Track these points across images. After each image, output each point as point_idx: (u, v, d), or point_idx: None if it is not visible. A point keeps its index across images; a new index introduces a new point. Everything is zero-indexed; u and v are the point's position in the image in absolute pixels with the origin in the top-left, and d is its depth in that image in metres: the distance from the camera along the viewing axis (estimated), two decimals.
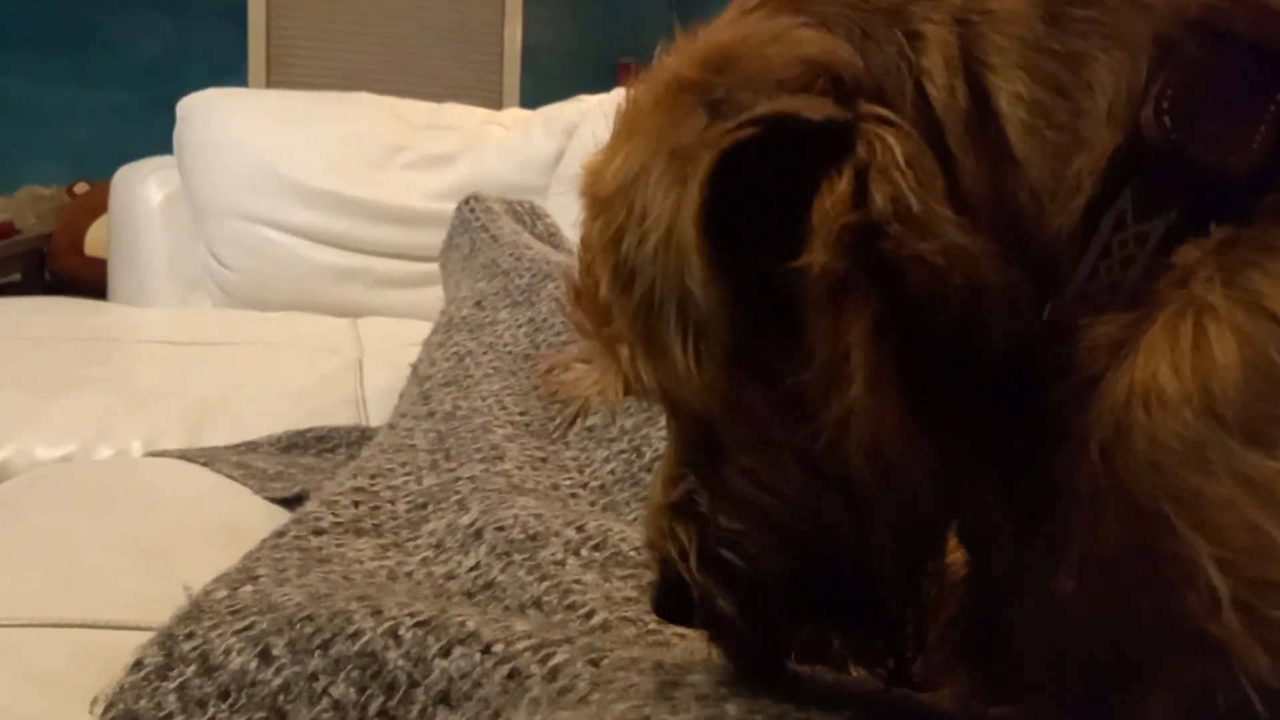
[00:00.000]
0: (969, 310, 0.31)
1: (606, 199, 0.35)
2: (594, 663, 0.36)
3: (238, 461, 1.09)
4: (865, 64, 0.33)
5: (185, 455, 1.11)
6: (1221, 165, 0.30)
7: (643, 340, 0.34)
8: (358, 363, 1.47)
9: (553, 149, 1.97)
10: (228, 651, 0.47)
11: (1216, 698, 0.28)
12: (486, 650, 0.39)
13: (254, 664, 0.46)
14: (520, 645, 0.38)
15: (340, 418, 1.26)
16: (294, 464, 1.11)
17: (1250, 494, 0.28)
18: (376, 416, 1.26)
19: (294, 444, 1.15)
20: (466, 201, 1.60)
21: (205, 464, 1.08)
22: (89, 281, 2.23)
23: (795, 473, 0.34)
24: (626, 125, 0.37)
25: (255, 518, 0.92)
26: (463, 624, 0.41)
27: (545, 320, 1.15)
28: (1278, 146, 0.30)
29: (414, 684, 0.40)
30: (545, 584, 0.54)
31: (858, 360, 0.31)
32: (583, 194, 0.37)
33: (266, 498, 1.00)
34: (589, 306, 0.38)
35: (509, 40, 3.98)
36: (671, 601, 0.37)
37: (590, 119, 1.95)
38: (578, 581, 0.53)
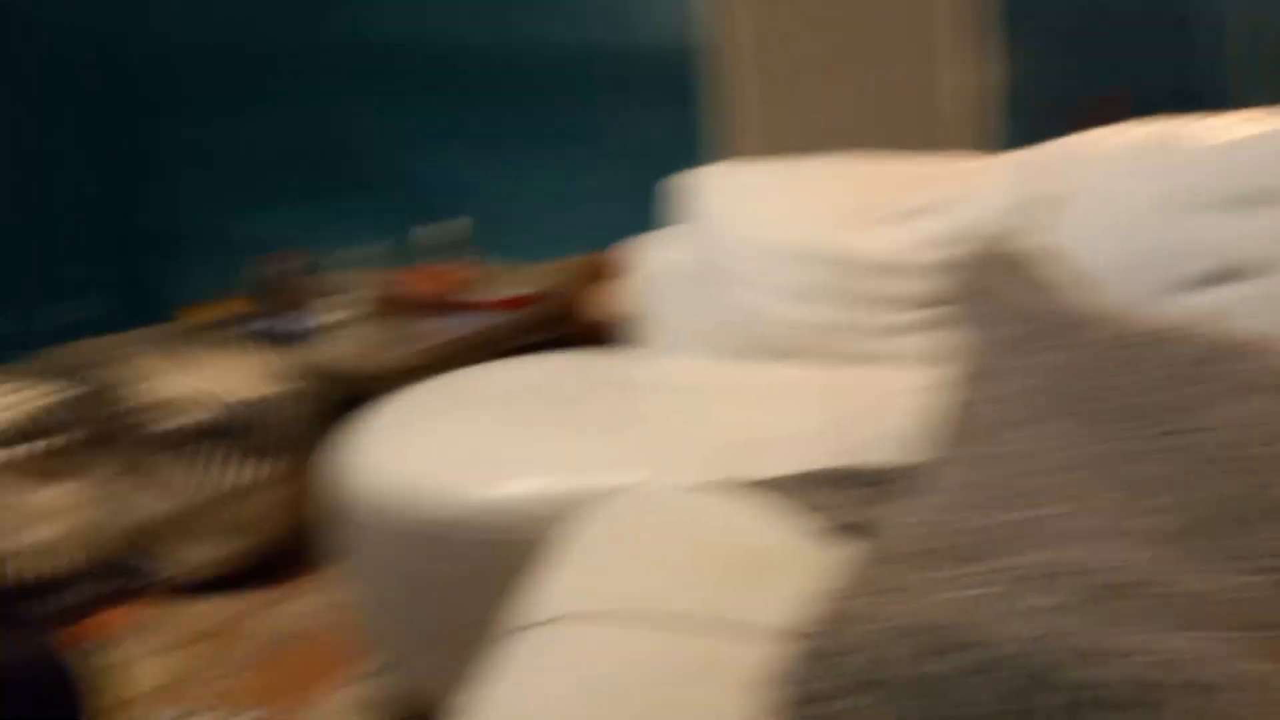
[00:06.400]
0: None
1: None
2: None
3: (787, 491, 1.24)
4: None
5: (746, 485, 1.28)
6: None
7: None
8: (875, 408, 1.57)
9: (1033, 191, 1.97)
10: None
11: None
12: None
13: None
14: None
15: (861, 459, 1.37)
16: (832, 498, 1.24)
17: None
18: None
19: (833, 479, 1.28)
20: (964, 257, 1.64)
21: (767, 493, 1.23)
22: (602, 340, 2.60)
23: None
24: None
25: (795, 544, 1.06)
26: None
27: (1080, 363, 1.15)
28: None
29: None
30: None
31: None
32: None
33: (818, 527, 1.13)
34: None
35: (978, 87, 3.95)
36: None
37: (1063, 157, 1.92)
38: None
